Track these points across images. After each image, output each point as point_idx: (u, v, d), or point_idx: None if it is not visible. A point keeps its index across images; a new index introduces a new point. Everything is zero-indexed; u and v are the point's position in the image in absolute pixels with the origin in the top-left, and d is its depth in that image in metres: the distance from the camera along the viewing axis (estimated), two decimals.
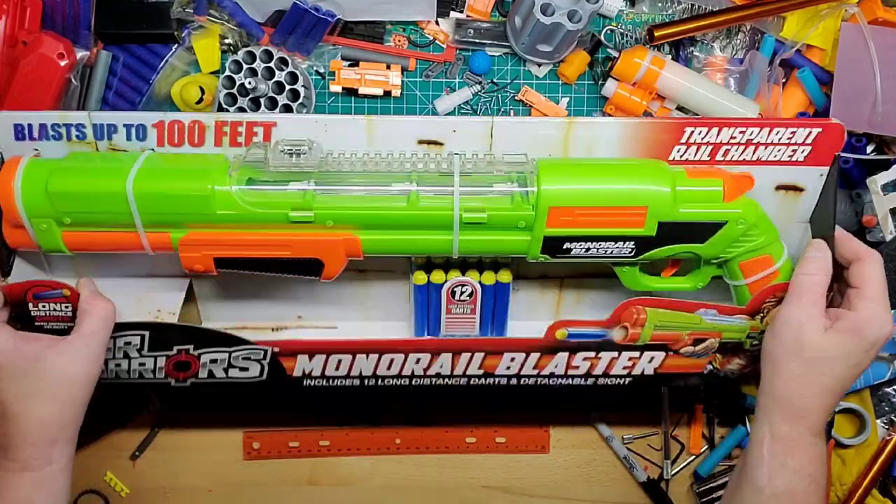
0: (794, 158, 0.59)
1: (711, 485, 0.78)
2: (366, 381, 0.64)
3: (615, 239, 0.56)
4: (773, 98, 0.74)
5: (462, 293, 0.62)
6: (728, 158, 0.58)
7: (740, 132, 0.58)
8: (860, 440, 0.77)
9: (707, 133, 0.58)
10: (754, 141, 0.58)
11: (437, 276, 0.61)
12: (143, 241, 0.56)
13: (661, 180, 0.55)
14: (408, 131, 0.59)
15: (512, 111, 0.75)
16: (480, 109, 0.74)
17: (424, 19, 0.73)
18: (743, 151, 0.58)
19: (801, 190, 0.60)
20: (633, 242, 0.56)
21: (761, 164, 0.59)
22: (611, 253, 0.56)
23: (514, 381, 0.64)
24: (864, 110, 0.71)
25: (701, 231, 0.56)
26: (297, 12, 0.68)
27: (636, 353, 0.61)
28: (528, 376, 0.63)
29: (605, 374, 0.63)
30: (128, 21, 0.70)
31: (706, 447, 0.79)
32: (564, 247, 0.56)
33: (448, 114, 0.74)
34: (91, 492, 0.76)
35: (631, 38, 0.75)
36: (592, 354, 0.61)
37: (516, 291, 0.65)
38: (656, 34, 0.70)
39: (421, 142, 0.59)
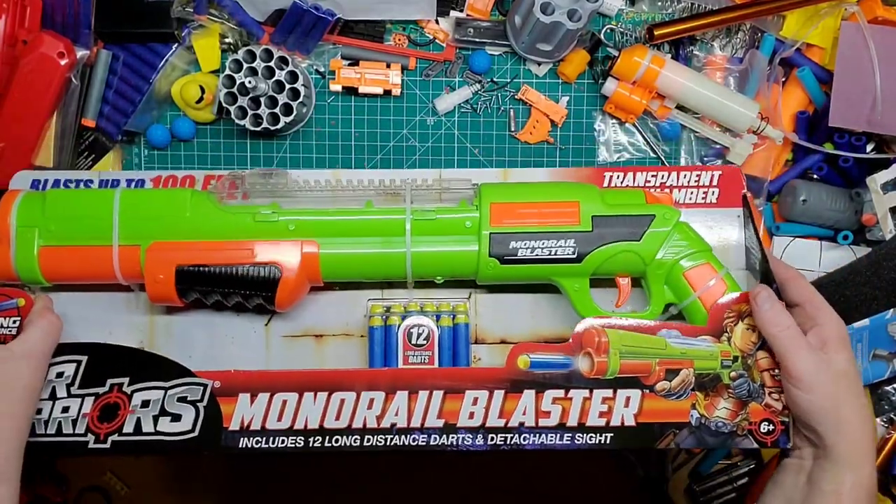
0: (707, 201, 0.65)
1: (710, 483, 0.78)
2: (311, 441, 0.58)
3: (556, 237, 0.59)
4: (773, 97, 0.74)
5: (419, 335, 0.61)
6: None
7: (652, 175, 0.65)
8: None
9: (624, 177, 0.65)
10: (667, 184, 0.65)
11: (394, 319, 0.62)
12: (115, 258, 0.59)
13: (590, 188, 0.62)
14: (367, 178, 0.65)
15: (512, 110, 0.75)
16: (480, 108, 0.75)
17: (424, 18, 0.73)
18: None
19: (726, 235, 0.65)
20: (573, 240, 0.59)
21: (684, 206, 0.65)
22: (555, 253, 0.59)
23: (479, 438, 0.58)
24: (864, 109, 0.71)
25: (633, 225, 0.60)
26: (297, 11, 0.68)
27: (609, 392, 0.57)
28: (496, 430, 0.57)
29: (583, 428, 0.57)
30: (128, 20, 0.70)
31: None
32: (510, 246, 0.59)
33: (448, 113, 0.74)
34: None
35: (631, 36, 0.75)
36: (562, 394, 0.57)
37: (477, 360, 0.64)
38: (656, 33, 0.70)
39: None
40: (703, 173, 0.65)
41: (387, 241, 0.60)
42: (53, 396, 0.58)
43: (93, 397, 0.58)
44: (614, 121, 0.76)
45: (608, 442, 0.57)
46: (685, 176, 0.65)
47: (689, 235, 0.61)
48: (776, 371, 0.57)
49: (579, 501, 0.80)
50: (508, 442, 0.58)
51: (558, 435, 0.58)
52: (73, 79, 0.68)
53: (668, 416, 0.58)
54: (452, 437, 0.58)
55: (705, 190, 0.65)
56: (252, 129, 0.69)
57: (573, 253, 0.59)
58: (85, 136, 0.72)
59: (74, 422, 0.58)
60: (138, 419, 0.58)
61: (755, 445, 0.58)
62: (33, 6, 0.67)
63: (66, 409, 0.58)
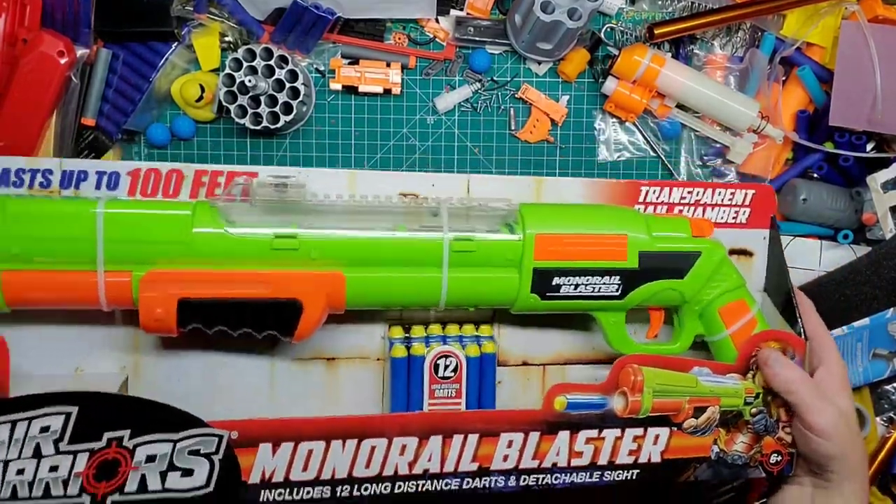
0: (737, 220, 0.64)
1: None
2: (338, 490, 0.52)
3: (601, 273, 0.56)
4: (773, 96, 0.74)
5: (446, 367, 0.58)
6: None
7: (688, 192, 0.63)
8: None
9: (660, 192, 0.63)
10: (702, 201, 0.63)
11: (419, 349, 0.58)
12: (99, 283, 0.50)
13: (634, 216, 0.59)
14: (389, 184, 0.60)
15: (512, 109, 0.75)
16: (480, 107, 0.74)
17: (424, 17, 0.73)
18: (694, 212, 0.63)
19: (750, 254, 0.64)
20: (618, 277, 0.57)
21: (715, 226, 0.63)
22: (598, 290, 0.57)
23: (511, 480, 0.55)
24: (864, 108, 0.71)
25: (679, 263, 0.58)
26: (297, 10, 0.68)
27: (640, 431, 0.57)
28: (528, 472, 0.55)
29: (612, 466, 0.56)
30: (128, 19, 0.69)
31: None
32: (553, 283, 0.56)
33: (448, 112, 0.74)
34: None
35: (631, 35, 0.75)
36: (595, 434, 0.56)
37: (499, 384, 0.62)
38: (656, 32, 0.70)
39: (402, 194, 0.60)
40: (738, 192, 0.64)
41: (420, 269, 0.54)
42: (38, 454, 0.48)
43: (87, 453, 0.49)
44: (614, 120, 0.76)
45: (634, 478, 0.57)
46: (719, 193, 0.64)
47: (729, 271, 0.59)
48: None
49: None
50: (540, 483, 0.56)
51: (588, 473, 0.57)
52: (73, 77, 0.68)
53: (692, 452, 0.58)
54: (485, 480, 0.55)
55: (737, 209, 0.64)
56: (252, 127, 0.69)
57: (617, 290, 0.57)
58: (85, 135, 0.71)
59: (66, 482, 0.49)
60: (143, 476, 0.50)
61: (763, 475, 0.59)
62: (33, 5, 0.67)
63: (54, 469, 0.49)
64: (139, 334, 0.57)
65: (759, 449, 0.59)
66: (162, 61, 0.70)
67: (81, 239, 0.49)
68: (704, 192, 0.63)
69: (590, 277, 0.56)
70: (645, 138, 0.76)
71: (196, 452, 0.50)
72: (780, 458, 0.60)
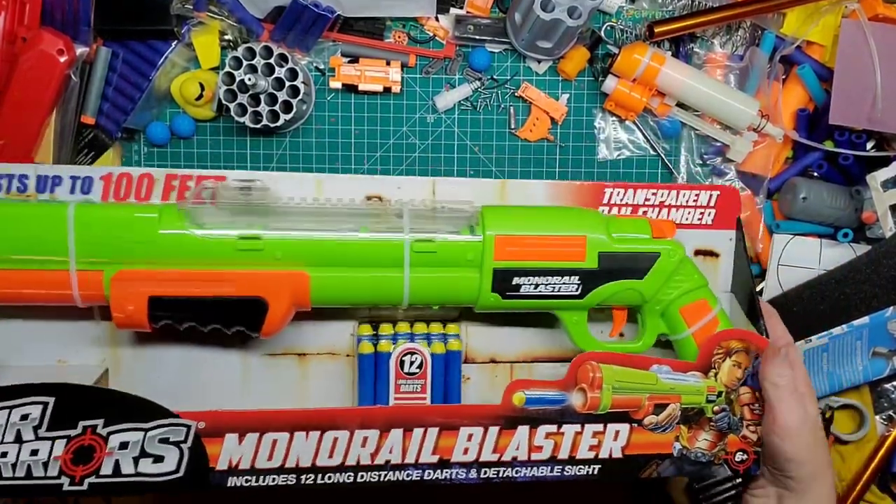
0: (703, 221, 0.64)
1: (710, 481, 0.78)
2: (303, 478, 0.55)
3: (561, 273, 0.57)
4: (773, 94, 0.74)
5: (412, 363, 0.60)
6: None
7: (653, 193, 0.63)
8: (859, 436, 0.77)
9: (625, 194, 0.63)
10: (666, 203, 0.64)
11: (386, 346, 0.60)
12: (73, 282, 0.53)
13: (595, 218, 0.59)
14: (355, 187, 0.61)
15: (512, 107, 0.75)
16: (480, 106, 0.74)
17: (424, 15, 0.73)
18: (658, 213, 0.64)
19: (716, 255, 0.65)
20: (577, 277, 0.58)
21: (680, 227, 0.63)
22: (558, 290, 0.58)
23: (472, 472, 0.57)
24: (865, 107, 0.71)
25: (638, 263, 0.59)
26: (297, 8, 0.68)
27: (600, 426, 0.58)
28: (489, 464, 0.57)
29: (572, 460, 0.58)
30: (127, 17, 0.69)
31: None
32: (514, 282, 0.57)
33: (448, 110, 0.74)
34: None
35: (631, 34, 0.75)
36: (554, 429, 0.57)
37: (467, 380, 0.64)
38: (656, 30, 0.70)
39: (369, 197, 0.61)
40: (702, 193, 0.64)
41: (382, 270, 0.56)
42: (19, 440, 0.52)
43: (64, 440, 0.52)
44: (614, 118, 0.76)
45: (595, 473, 0.59)
46: (684, 195, 0.64)
47: (690, 271, 0.60)
48: (755, 406, 0.59)
49: (579, 499, 0.80)
50: (501, 475, 0.58)
51: (549, 467, 0.58)
52: (73, 76, 0.68)
53: (653, 448, 0.59)
54: (446, 472, 0.57)
55: (702, 210, 0.64)
56: (252, 126, 0.69)
57: (577, 290, 0.58)
58: (84, 134, 0.71)
59: (45, 464, 0.52)
60: (117, 461, 0.53)
61: (729, 473, 0.60)
62: (33, 3, 0.67)
63: (34, 452, 0.52)
64: (118, 331, 0.59)
65: (723, 447, 0.60)
66: (162, 60, 0.70)
67: (54, 240, 0.52)
68: (669, 194, 0.64)
69: (549, 277, 0.57)
70: (645, 137, 0.76)
71: (166, 441, 0.53)
72: (745, 456, 0.60)
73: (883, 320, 0.72)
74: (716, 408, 0.59)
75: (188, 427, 0.53)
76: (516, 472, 0.58)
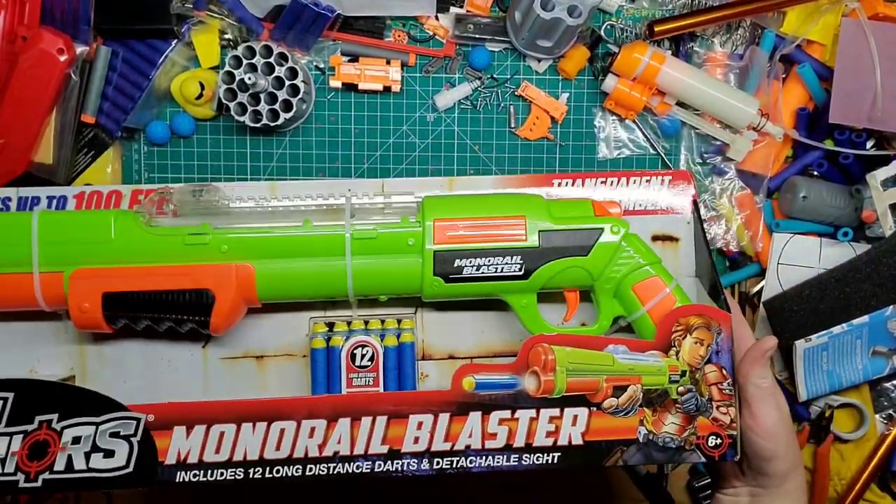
0: (658, 207, 0.64)
1: (710, 479, 0.78)
2: (251, 472, 0.55)
3: (502, 253, 0.58)
4: (773, 93, 0.74)
5: (363, 356, 0.59)
6: None
7: (602, 182, 0.63)
8: (859, 435, 0.77)
9: (573, 183, 0.63)
10: (617, 189, 0.63)
11: (337, 340, 0.60)
12: (36, 285, 0.56)
13: (535, 200, 0.59)
14: (307, 191, 0.61)
15: (512, 106, 0.75)
16: (480, 105, 0.74)
17: (424, 14, 0.73)
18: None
19: (676, 240, 0.64)
20: (519, 256, 0.58)
21: (632, 213, 0.63)
22: (501, 270, 0.58)
23: (424, 463, 0.56)
24: (864, 106, 0.71)
25: (581, 240, 0.58)
26: (297, 7, 0.68)
27: (556, 411, 0.56)
28: (441, 454, 0.56)
29: (530, 448, 0.56)
30: (127, 16, 0.69)
31: None
32: (455, 264, 0.57)
33: (448, 109, 0.74)
34: None
35: (631, 33, 0.75)
36: (508, 414, 0.56)
37: (425, 378, 0.63)
38: (656, 29, 0.70)
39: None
40: (654, 179, 0.63)
41: (326, 260, 0.57)
42: None
43: (21, 435, 0.55)
44: (614, 117, 0.76)
45: (555, 462, 0.56)
46: (635, 181, 0.63)
47: (638, 248, 0.59)
48: (724, 384, 0.57)
49: (578, 499, 0.80)
50: (455, 466, 0.56)
51: (505, 456, 0.56)
52: (73, 75, 0.68)
53: (616, 434, 0.56)
54: (397, 464, 0.56)
55: (656, 195, 0.63)
56: (252, 125, 0.69)
57: (520, 270, 0.58)
58: (84, 133, 0.72)
59: (3, 461, 0.55)
60: (69, 456, 0.55)
61: (703, 460, 0.57)
62: (33, 2, 0.67)
63: None
64: (83, 335, 0.62)
65: (693, 431, 0.57)
66: (162, 59, 0.70)
67: (20, 244, 0.56)
68: (618, 182, 0.63)
69: (491, 258, 0.58)
70: (645, 136, 0.76)
71: (116, 435, 0.55)
72: (719, 440, 0.57)
73: (883, 319, 0.72)
74: (680, 388, 0.56)
75: (138, 420, 0.55)
76: (471, 462, 0.56)
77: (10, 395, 0.55)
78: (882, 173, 0.70)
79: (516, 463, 0.56)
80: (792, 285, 0.75)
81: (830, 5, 0.73)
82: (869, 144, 0.75)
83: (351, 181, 0.64)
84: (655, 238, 0.64)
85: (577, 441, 0.56)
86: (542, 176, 0.64)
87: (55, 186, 0.65)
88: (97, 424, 0.55)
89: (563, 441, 0.56)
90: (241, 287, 0.57)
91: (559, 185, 0.63)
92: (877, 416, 0.78)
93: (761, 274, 0.77)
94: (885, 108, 0.70)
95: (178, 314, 0.57)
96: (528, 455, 0.56)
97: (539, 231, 0.58)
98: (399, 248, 0.58)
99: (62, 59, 0.66)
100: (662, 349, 0.57)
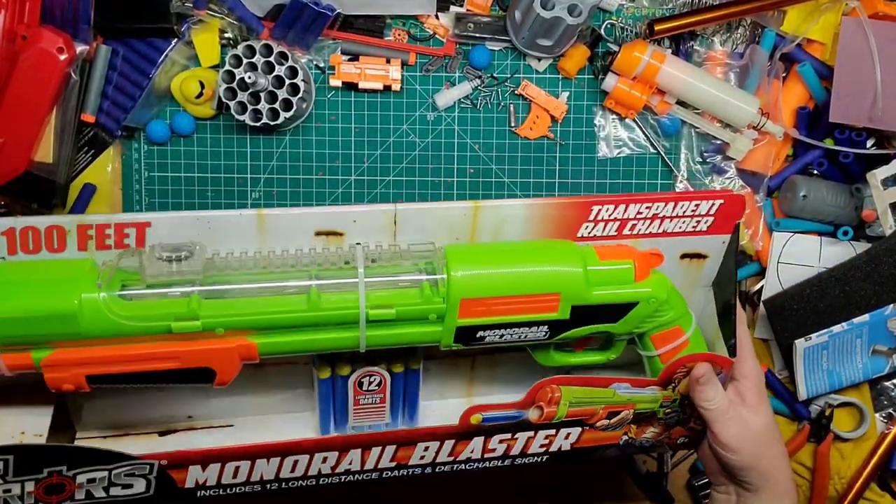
0: (697, 229, 0.58)
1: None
2: (268, 486, 0.56)
3: (529, 324, 0.54)
4: (774, 92, 0.74)
5: (370, 383, 0.57)
6: (635, 232, 0.57)
7: (646, 207, 0.57)
8: (859, 434, 0.77)
9: (614, 210, 0.56)
10: (660, 215, 0.57)
11: (344, 370, 0.56)
12: (1, 367, 0.48)
13: (572, 263, 0.53)
14: (304, 223, 0.53)
15: (512, 105, 0.75)
16: (480, 104, 0.74)
17: (424, 13, 0.73)
18: (649, 225, 0.57)
19: (704, 257, 0.60)
20: (546, 326, 0.54)
21: (667, 235, 0.58)
22: (525, 337, 0.54)
23: (428, 469, 0.58)
24: (865, 105, 0.71)
25: (614, 312, 0.55)
26: (297, 6, 0.68)
27: (552, 431, 0.58)
28: (444, 463, 0.58)
29: (523, 454, 0.59)
30: (127, 15, 0.69)
31: None
32: (478, 335, 0.53)
33: (448, 108, 0.74)
34: None
35: (631, 32, 0.75)
36: (508, 436, 0.57)
37: (427, 372, 0.61)
38: (656, 28, 0.70)
39: (319, 233, 0.54)
40: (703, 203, 0.57)
41: (336, 331, 0.51)
42: None
43: (33, 482, 0.51)
44: (614, 116, 0.76)
45: (543, 462, 0.60)
46: (682, 206, 0.57)
47: (671, 306, 0.56)
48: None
49: (578, 498, 0.80)
50: (454, 469, 0.59)
51: (500, 461, 0.59)
52: (73, 74, 0.68)
53: (601, 441, 0.60)
54: (403, 472, 0.58)
55: (698, 219, 0.58)
56: (252, 124, 0.69)
57: (545, 336, 0.54)
58: (84, 132, 0.72)
59: (21, 497, 0.52)
60: (88, 491, 0.53)
61: (670, 451, 0.63)
62: (32, 1, 0.67)
63: (7, 491, 0.52)
64: None
65: (667, 435, 0.61)
66: (161, 58, 0.70)
67: None
68: (665, 206, 0.57)
69: (516, 329, 0.54)
70: (645, 135, 0.76)
71: (132, 475, 0.53)
72: (686, 439, 0.62)
73: (883, 318, 0.72)
74: (668, 410, 0.59)
75: (151, 465, 0.53)
76: (469, 466, 0.59)
77: (10, 458, 0.51)
78: (882, 172, 0.70)
79: (509, 464, 0.60)
80: (792, 284, 0.75)
81: (830, 4, 0.73)
82: (869, 143, 0.75)
83: (357, 208, 0.54)
84: (685, 256, 0.60)
85: (567, 448, 0.59)
86: (580, 201, 0.55)
87: None
88: (110, 470, 0.52)
89: (553, 449, 0.59)
90: (243, 358, 0.51)
91: (598, 212, 0.56)
92: (877, 414, 0.78)
93: (761, 273, 0.77)
94: (886, 107, 0.70)
95: (175, 382, 0.51)
96: (520, 458, 0.59)
97: (573, 306, 0.53)
98: (419, 320, 0.52)
99: (62, 57, 0.66)
100: (662, 385, 0.58)
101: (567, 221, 0.56)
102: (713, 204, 0.57)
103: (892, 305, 0.72)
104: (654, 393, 0.58)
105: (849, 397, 0.77)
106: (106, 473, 0.52)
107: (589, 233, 0.57)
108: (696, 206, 0.57)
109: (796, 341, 0.73)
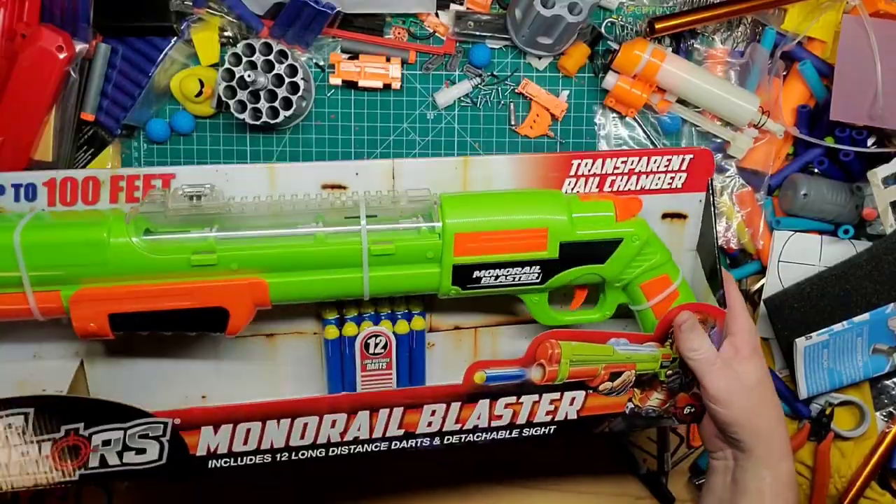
0: (673, 185, 0.62)
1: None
2: (278, 456, 0.59)
3: (521, 264, 0.57)
4: (774, 91, 0.74)
5: (377, 345, 0.60)
6: (615, 189, 0.62)
7: (622, 161, 0.61)
8: (859, 433, 0.77)
9: (593, 164, 0.61)
10: (636, 170, 0.61)
11: (350, 329, 0.60)
12: (31, 303, 0.52)
13: (557, 204, 0.57)
14: (310, 176, 0.59)
15: (512, 104, 0.75)
16: (480, 102, 0.74)
17: (424, 11, 0.73)
18: (627, 181, 0.62)
19: (684, 217, 0.64)
20: (538, 266, 0.57)
21: (645, 192, 0.62)
22: (519, 279, 0.58)
23: (436, 440, 0.60)
24: (865, 103, 0.71)
25: (600, 250, 0.58)
26: (297, 5, 0.68)
27: (556, 395, 0.60)
28: (452, 433, 0.60)
29: (530, 424, 0.61)
30: (127, 14, 0.69)
31: None
32: (474, 276, 0.57)
33: (448, 107, 0.74)
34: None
35: (631, 30, 0.74)
36: (514, 399, 0.60)
37: (431, 346, 0.64)
38: (657, 26, 0.70)
39: (325, 186, 0.59)
40: (674, 157, 0.61)
41: (341, 271, 0.55)
42: (7, 444, 0.55)
43: (50, 442, 0.55)
44: (615, 115, 0.76)
45: (551, 433, 0.62)
46: (655, 161, 0.61)
47: (653, 249, 0.59)
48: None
49: (580, 498, 0.80)
50: (462, 441, 0.61)
51: (507, 431, 0.61)
52: (72, 73, 0.67)
53: (607, 409, 0.62)
54: (411, 442, 0.60)
55: (672, 175, 0.62)
56: (251, 122, 0.68)
57: (538, 279, 0.58)
58: (84, 131, 0.71)
59: (38, 461, 0.55)
60: (102, 455, 0.56)
61: (677, 424, 0.64)
62: (32, 0, 0.67)
63: (25, 454, 0.55)
64: None
65: (672, 403, 0.62)
66: (161, 56, 0.70)
67: (6, 267, 0.52)
68: (639, 161, 0.61)
69: (509, 269, 0.57)
70: (645, 133, 0.76)
71: (146, 436, 0.56)
72: (693, 409, 0.63)
73: (883, 317, 0.72)
74: (669, 371, 0.61)
75: (165, 423, 0.56)
76: (477, 437, 0.61)
77: (31, 411, 0.55)
78: (883, 171, 0.70)
79: (517, 435, 0.61)
80: (792, 283, 0.75)
81: (831, 2, 0.72)
82: (870, 142, 0.75)
83: (358, 163, 0.59)
84: (665, 216, 0.63)
85: (573, 416, 0.61)
86: (561, 155, 0.61)
87: (23, 172, 0.57)
88: (125, 429, 0.56)
89: (559, 417, 0.61)
90: (255, 300, 0.55)
91: (578, 166, 0.61)
92: (877, 413, 0.78)
93: (762, 272, 0.77)
94: (886, 106, 0.70)
95: (190, 328, 0.55)
96: (528, 428, 0.61)
97: (560, 244, 0.57)
98: (417, 258, 0.56)
99: (61, 56, 0.66)
100: (660, 340, 0.60)
101: (551, 178, 0.61)
102: (683, 159, 0.62)
103: (892, 304, 0.71)
104: (653, 350, 0.60)
105: (849, 396, 0.77)
106: (121, 434, 0.56)
107: (572, 188, 0.61)
108: (668, 160, 0.62)
109: (797, 340, 0.73)
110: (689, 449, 0.80)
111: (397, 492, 0.79)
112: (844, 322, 0.72)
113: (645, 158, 0.61)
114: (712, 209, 0.63)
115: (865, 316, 0.72)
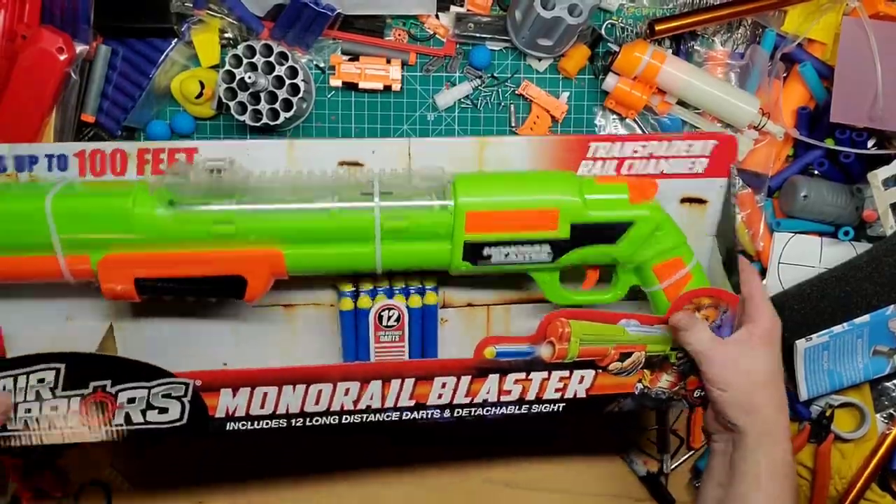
0: (693, 170, 0.63)
1: None
2: (293, 422, 0.61)
3: (532, 242, 0.58)
4: (774, 92, 0.74)
5: (390, 318, 0.62)
6: (633, 172, 0.62)
7: (642, 146, 0.61)
8: (859, 434, 0.77)
9: (610, 148, 0.61)
10: (656, 154, 0.62)
11: (364, 302, 0.62)
12: (62, 265, 0.56)
13: (569, 185, 0.58)
14: (328, 153, 0.61)
15: (512, 105, 0.75)
16: (480, 104, 0.74)
17: (424, 13, 0.73)
18: (646, 165, 0.62)
19: (704, 202, 0.64)
20: (549, 245, 0.58)
21: (665, 177, 0.62)
22: (529, 257, 0.58)
23: (447, 412, 0.62)
24: (865, 105, 0.71)
25: (611, 231, 0.58)
26: (297, 6, 0.68)
27: (566, 372, 0.61)
28: (462, 406, 0.62)
29: (539, 401, 0.62)
30: (127, 15, 0.69)
31: (707, 441, 0.79)
32: (484, 252, 0.58)
33: (448, 108, 0.74)
34: (93, 483, 0.77)
35: (632, 32, 0.74)
36: (523, 376, 0.61)
37: (444, 322, 0.66)
38: (657, 28, 0.70)
39: (342, 163, 0.61)
40: (696, 143, 0.61)
41: (354, 245, 0.58)
42: (39, 398, 0.58)
43: (78, 398, 0.58)
44: (615, 116, 0.76)
45: (560, 411, 0.62)
46: (675, 146, 0.61)
47: (667, 232, 0.60)
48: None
49: (579, 494, 0.80)
50: (472, 414, 0.62)
51: (517, 406, 0.62)
52: (73, 74, 0.67)
53: (616, 389, 0.62)
54: (422, 413, 0.61)
55: (693, 160, 0.62)
56: (252, 124, 0.68)
57: (548, 258, 0.59)
58: (84, 132, 0.71)
59: (66, 417, 0.59)
60: (127, 413, 0.59)
61: (687, 406, 0.66)
62: (32, 1, 0.67)
63: (54, 409, 0.59)
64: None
65: (682, 386, 0.63)
66: (161, 58, 0.70)
67: (37, 233, 0.55)
68: (659, 145, 0.61)
69: (520, 247, 0.58)
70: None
71: (168, 396, 0.59)
72: (702, 392, 0.62)
73: (884, 318, 0.72)
74: (679, 354, 0.61)
75: (187, 384, 0.59)
76: (487, 412, 0.62)
77: (62, 366, 0.58)
78: (883, 172, 0.70)
79: (526, 411, 0.62)
80: (793, 284, 0.75)
81: (831, 4, 0.72)
82: (870, 143, 0.75)
83: (374, 141, 0.61)
84: (685, 200, 0.63)
85: (582, 395, 0.62)
86: (578, 138, 0.61)
87: (55, 143, 0.62)
88: (149, 388, 0.59)
89: (569, 395, 0.62)
90: (271, 267, 0.58)
91: (595, 150, 0.61)
92: (877, 415, 0.78)
93: (762, 273, 0.77)
94: (886, 107, 0.70)
95: (211, 295, 0.58)
96: (537, 405, 0.62)
97: (571, 224, 0.58)
98: (429, 234, 0.57)
99: (62, 57, 0.66)
100: None
101: (567, 160, 0.62)
102: (706, 144, 0.62)
103: (892, 306, 0.71)
104: (665, 333, 0.60)
105: (849, 398, 0.77)
106: (145, 393, 0.59)
107: (589, 171, 0.62)
108: (690, 146, 0.62)
109: (797, 341, 0.73)
110: (689, 451, 0.80)
111: (397, 491, 0.79)
112: (845, 324, 0.72)
113: (666, 143, 0.61)
114: (731, 197, 0.63)
115: (866, 317, 0.72)
